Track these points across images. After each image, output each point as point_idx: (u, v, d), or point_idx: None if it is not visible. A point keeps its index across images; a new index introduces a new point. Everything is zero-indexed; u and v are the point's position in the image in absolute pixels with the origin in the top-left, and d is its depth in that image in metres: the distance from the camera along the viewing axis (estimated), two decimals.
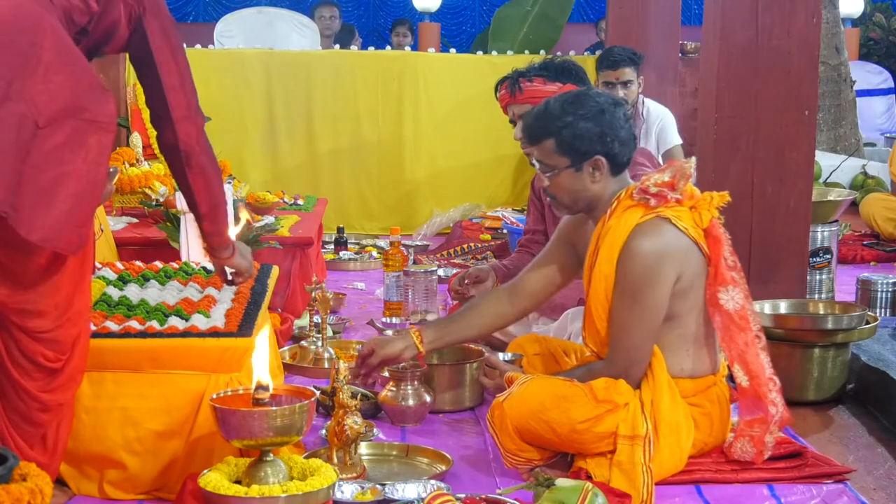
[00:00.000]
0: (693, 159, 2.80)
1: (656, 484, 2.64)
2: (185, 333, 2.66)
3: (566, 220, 3.07)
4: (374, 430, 3.09)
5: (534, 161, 2.91)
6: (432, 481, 2.65)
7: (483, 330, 3.17)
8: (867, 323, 3.51)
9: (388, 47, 8.37)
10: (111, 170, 2.66)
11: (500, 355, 3.22)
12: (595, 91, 2.91)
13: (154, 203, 4.63)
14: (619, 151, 2.81)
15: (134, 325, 2.70)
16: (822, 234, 4.58)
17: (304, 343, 3.85)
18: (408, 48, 8.23)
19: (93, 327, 2.67)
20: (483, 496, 2.48)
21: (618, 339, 2.76)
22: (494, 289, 3.20)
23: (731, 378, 2.87)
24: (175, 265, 3.39)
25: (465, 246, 5.92)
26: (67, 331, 2.38)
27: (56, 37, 2.24)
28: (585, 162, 2.81)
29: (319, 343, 3.75)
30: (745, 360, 2.76)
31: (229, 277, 2.95)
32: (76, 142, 2.22)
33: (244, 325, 2.72)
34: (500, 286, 3.22)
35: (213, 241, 2.80)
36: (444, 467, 2.79)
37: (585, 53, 7.61)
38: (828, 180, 7.01)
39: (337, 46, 7.95)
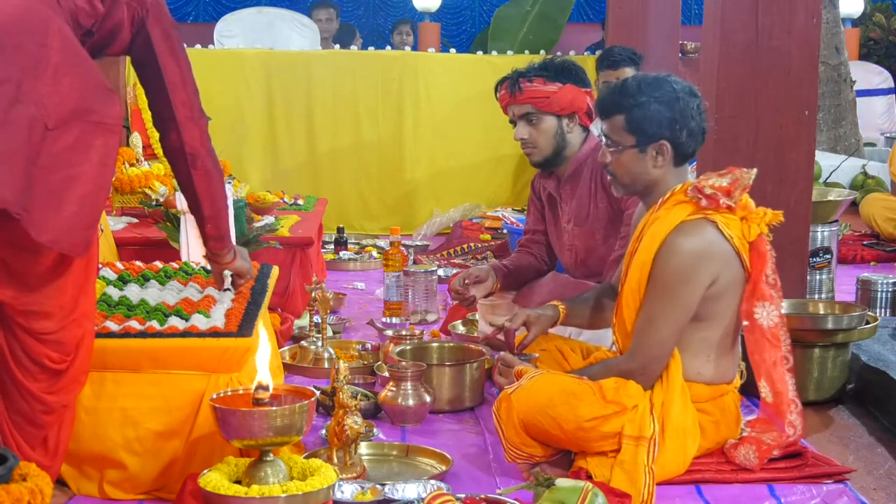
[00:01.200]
0: (754, 171, 2.78)
1: (656, 484, 2.64)
2: (185, 333, 2.66)
3: (633, 221, 3.07)
4: (374, 430, 3.09)
5: (601, 135, 2.91)
6: (432, 481, 2.65)
7: (604, 326, 3.20)
8: (867, 323, 3.51)
9: (389, 47, 8.36)
10: None
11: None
12: (675, 78, 2.89)
13: (154, 203, 4.63)
14: (685, 141, 2.81)
15: (134, 325, 2.70)
16: (822, 234, 4.58)
17: (304, 343, 3.85)
18: (408, 48, 8.23)
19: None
20: (483, 496, 2.48)
21: (643, 332, 2.76)
22: (607, 286, 3.23)
23: (744, 391, 2.88)
24: (175, 265, 3.39)
25: (465, 246, 5.92)
26: (72, 332, 2.38)
27: (64, 38, 2.25)
28: (651, 145, 2.81)
29: (319, 343, 3.75)
30: (771, 378, 2.77)
31: (227, 284, 2.96)
32: (84, 144, 2.24)
33: (244, 325, 2.72)
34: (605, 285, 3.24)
35: (216, 245, 2.81)
36: (444, 467, 2.79)
37: (586, 53, 7.61)
38: (828, 180, 7.00)
39: (337, 46, 7.94)
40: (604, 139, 2.89)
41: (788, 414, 2.76)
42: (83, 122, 2.23)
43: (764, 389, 2.79)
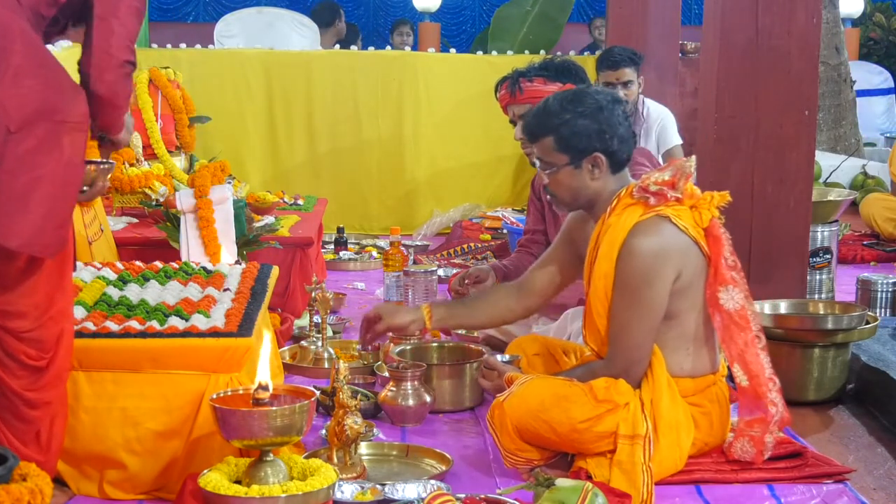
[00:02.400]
0: (693, 158, 2.81)
1: (656, 484, 2.64)
2: (185, 333, 2.66)
3: (569, 219, 3.07)
4: (374, 430, 3.09)
5: (534, 159, 2.92)
6: (432, 481, 2.65)
7: (490, 320, 3.22)
8: (867, 323, 3.50)
9: (389, 47, 8.36)
10: (106, 165, 2.65)
11: (499, 356, 3.23)
12: (594, 88, 2.91)
13: (154, 203, 4.63)
14: (617, 149, 2.82)
15: (134, 325, 2.70)
16: (822, 234, 4.58)
17: (304, 343, 3.85)
18: (408, 48, 8.22)
19: (92, 327, 2.67)
20: (483, 496, 2.48)
21: (618, 338, 2.76)
22: (504, 283, 3.23)
23: (730, 378, 2.87)
24: (175, 265, 3.39)
25: (465, 246, 5.92)
26: (49, 330, 2.37)
27: (25, 40, 2.23)
28: (584, 159, 2.81)
29: (319, 343, 3.75)
30: (744, 360, 2.76)
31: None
32: (49, 144, 2.21)
33: (244, 325, 2.72)
34: (509, 282, 3.24)
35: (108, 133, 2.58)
36: (444, 467, 2.79)
37: (585, 54, 7.61)
38: (828, 180, 7.01)
39: (337, 46, 7.95)
40: (537, 162, 2.90)
41: (768, 392, 2.75)
42: (48, 122, 2.21)
43: (738, 374, 2.78)
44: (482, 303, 3.19)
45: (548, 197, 2.97)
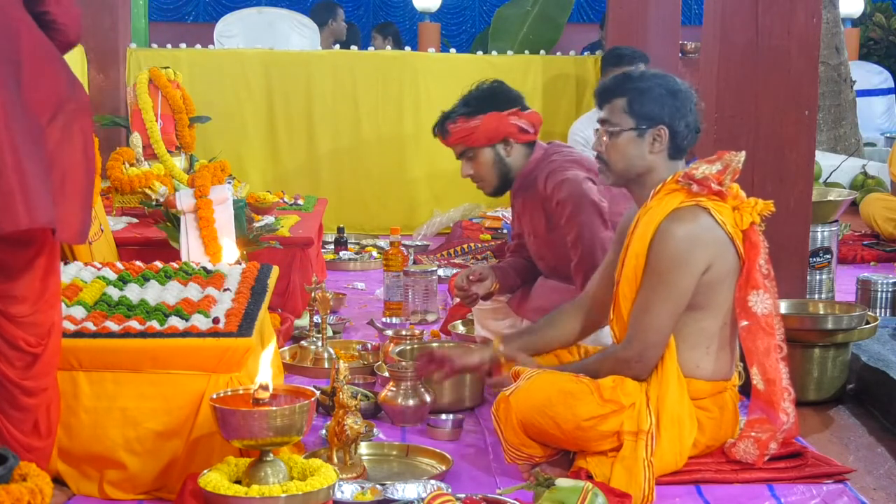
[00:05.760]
0: (742, 153, 2.80)
1: (656, 483, 2.64)
2: (185, 333, 2.66)
3: (620, 224, 3.07)
4: (374, 430, 3.09)
5: (596, 123, 2.90)
6: (432, 481, 2.65)
7: (559, 343, 3.14)
8: (867, 323, 3.51)
9: (388, 47, 8.35)
10: None
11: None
12: (677, 77, 2.93)
13: (154, 203, 4.63)
14: (681, 132, 2.84)
15: (134, 325, 2.70)
16: (822, 234, 4.58)
17: (304, 343, 3.85)
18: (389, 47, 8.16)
19: (93, 327, 2.68)
20: (483, 496, 2.48)
21: (639, 318, 2.75)
22: (566, 304, 3.19)
23: (742, 387, 2.88)
24: (175, 265, 3.38)
25: (465, 246, 5.91)
26: (45, 314, 2.40)
27: (32, 36, 2.28)
28: (650, 129, 2.82)
29: (319, 343, 3.75)
30: (763, 366, 2.77)
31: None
32: (68, 135, 2.30)
33: (244, 325, 2.72)
34: (570, 303, 3.20)
35: None
36: (444, 467, 2.80)
37: (585, 53, 7.61)
38: (828, 180, 7.00)
39: (337, 46, 7.95)
40: (599, 126, 2.89)
41: (781, 402, 2.77)
42: (63, 115, 2.30)
43: (756, 377, 2.79)
44: (549, 328, 3.13)
45: (598, 166, 2.95)
